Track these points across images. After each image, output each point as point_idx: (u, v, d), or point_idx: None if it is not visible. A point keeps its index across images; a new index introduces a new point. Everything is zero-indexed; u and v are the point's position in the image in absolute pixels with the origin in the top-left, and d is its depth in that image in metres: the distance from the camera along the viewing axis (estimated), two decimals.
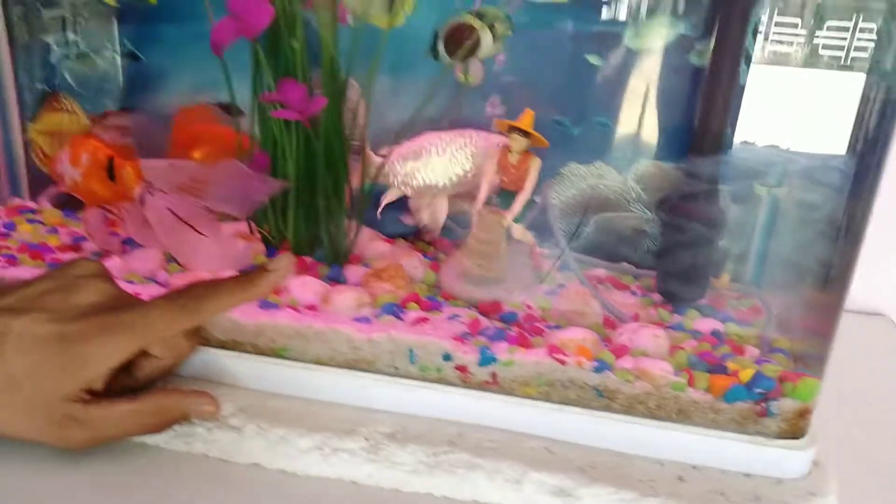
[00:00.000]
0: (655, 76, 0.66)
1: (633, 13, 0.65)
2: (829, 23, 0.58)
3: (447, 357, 0.53)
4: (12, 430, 0.46)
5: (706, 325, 0.59)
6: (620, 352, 0.53)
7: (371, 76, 0.61)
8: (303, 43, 0.60)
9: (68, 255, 0.65)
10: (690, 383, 0.50)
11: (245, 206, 0.63)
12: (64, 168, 0.59)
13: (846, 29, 0.57)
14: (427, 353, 0.54)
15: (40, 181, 0.72)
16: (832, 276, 0.52)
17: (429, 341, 0.53)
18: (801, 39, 0.59)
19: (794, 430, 0.50)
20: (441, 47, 0.65)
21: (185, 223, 0.59)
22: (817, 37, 0.59)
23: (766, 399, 0.49)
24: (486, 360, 0.52)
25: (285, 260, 0.50)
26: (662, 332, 0.54)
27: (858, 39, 0.57)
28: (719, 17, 0.61)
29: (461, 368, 0.53)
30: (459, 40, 0.61)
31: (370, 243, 0.68)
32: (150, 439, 0.52)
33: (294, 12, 0.59)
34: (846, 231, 0.51)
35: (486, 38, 0.63)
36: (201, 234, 0.59)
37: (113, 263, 0.62)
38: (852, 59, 0.58)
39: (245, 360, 0.56)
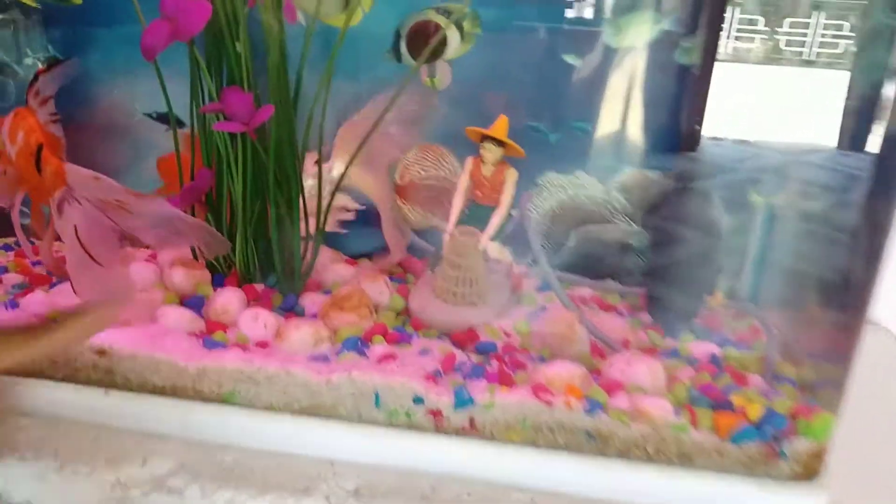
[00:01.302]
0: (639, 76, 0.60)
1: (613, 8, 0.59)
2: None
3: (418, 400, 0.47)
4: None
5: (702, 349, 0.54)
6: (613, 388, 0.47)
7: (325, 81, 0.54)
8: (248, 46, 0.53)
9: None
10: (693, 423, 0.44)
11: (169, 245, 0.56)
12: (4, 138, 0.52)
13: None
14: (395, 396, 0.47)
15: None
16: (848, 290, 0.47)
17: (397, 382, 0.47)
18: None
19: (809, 471, 0.44)
20: (404, 48, 0.58)
21: (84, 247, 0.51)
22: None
23: (778, 439, 0.44)
24: (463, 402, 0.46)
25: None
26: (659, 366, 0.48)
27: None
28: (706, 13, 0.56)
29: (434, 413, 0.47)
30: (425, 40, 0.55)
31: (330, 266, 0.62)
32: None
33: (236, 12, 0.52)
34: (866, 239, 0.46)
35: (454, 36, 0.56)
36: (97, 262, 0.51)
37: (35, 298, 0.55)
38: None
39: (187, 407, 0.49)
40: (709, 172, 0.60)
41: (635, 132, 0.62)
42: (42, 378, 0.51)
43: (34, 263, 0.61)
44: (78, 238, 0.49)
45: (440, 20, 0.54)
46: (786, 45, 0.59)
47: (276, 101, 0.52)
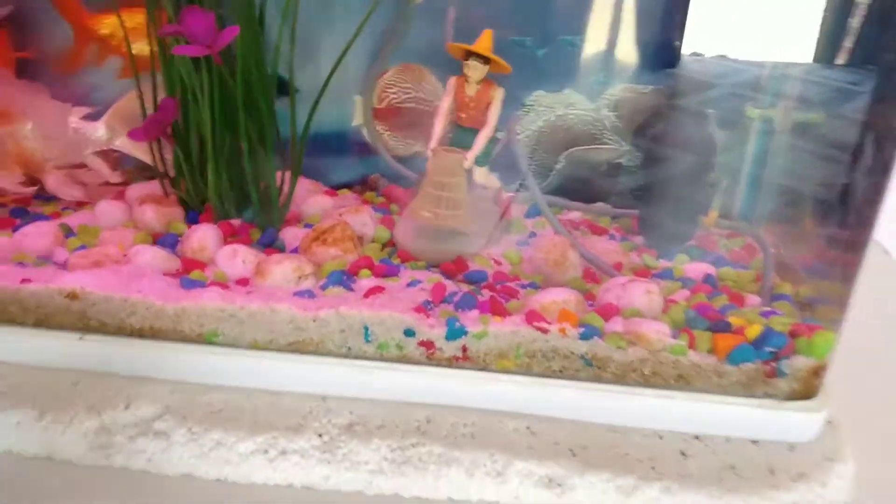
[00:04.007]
0: None
1: None
2: None
3: (409, 332, 0.45)
4: None
5: (697, 269, 0.53)
6: (609, 313, 0.46)
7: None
8: None
9: None
10: (691, 345, 0.43)
11: None
12: None
13: None
14: (385, 329, 0.46)
15: None
16: (850, 206, 0.46)
17: (386, 315, 0.45)
18: None
19: (807, 389, 0.44)
20: None
21: None
22: None
23: (777, 358, 0.43)
24: (455, 332, 0.45)
25: None
26: (655, 288, 0.46)
27: None
28: None
29: (426, 344, 0.45)
30: None
31: (309, 198, 0.59)
32: (63, 454, 0.43)
33: None
34: (873, 151, 0.44)
35: None
36: None
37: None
38: None
39: (168, 348, 0.47)
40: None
41: (627, 46, 0.58)
42: (11, 325, 0.49)
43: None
44: None
45: None
46: None
47: (240, 21, 0.48)
